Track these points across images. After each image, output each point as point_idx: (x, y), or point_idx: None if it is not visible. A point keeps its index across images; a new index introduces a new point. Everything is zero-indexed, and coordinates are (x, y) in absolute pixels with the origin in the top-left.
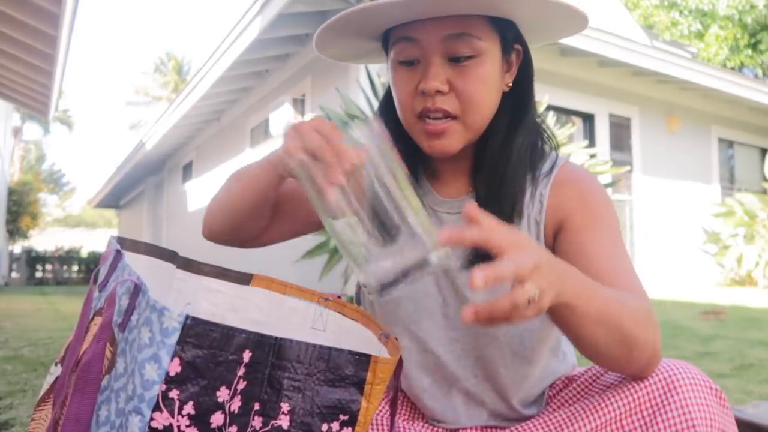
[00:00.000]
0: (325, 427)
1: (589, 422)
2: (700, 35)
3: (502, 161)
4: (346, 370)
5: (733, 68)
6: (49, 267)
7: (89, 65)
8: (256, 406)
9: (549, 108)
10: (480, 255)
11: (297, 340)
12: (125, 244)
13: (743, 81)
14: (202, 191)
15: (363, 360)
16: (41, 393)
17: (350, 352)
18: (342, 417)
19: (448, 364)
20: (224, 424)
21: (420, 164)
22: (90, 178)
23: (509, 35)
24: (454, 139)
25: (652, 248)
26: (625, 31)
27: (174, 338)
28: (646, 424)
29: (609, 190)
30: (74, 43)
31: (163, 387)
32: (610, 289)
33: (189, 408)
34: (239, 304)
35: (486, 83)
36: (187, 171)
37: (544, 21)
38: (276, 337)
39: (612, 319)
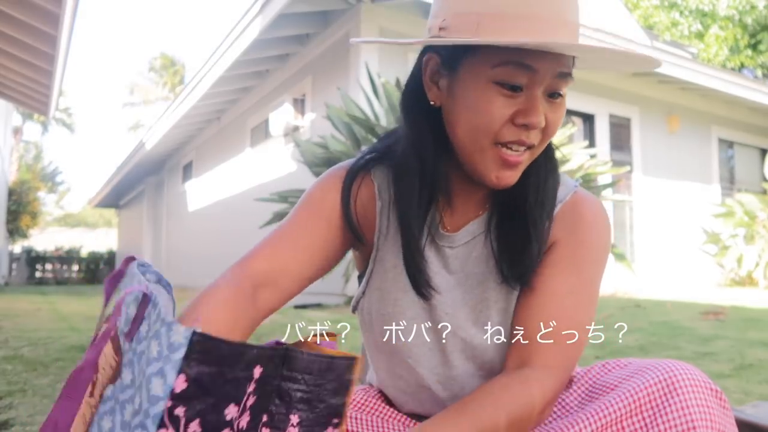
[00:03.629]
0: None
1: (590, 424)
2: (700, 35)
3: (543, 190)
4: (345, 376)
5: (733, 69)
6: (49, 267)
7: (89, 65)
8: (264, 418)
9: None
10: None
11: (307, 352)
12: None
13: (743, 81)
14: (202, 191)
15: (351, 363)
16: None
17: (346, 358)
18: (335, 420)
19: (445, 401)
20: None
21: (437, 189)
22: (89, 177)
23: None
24: (520, 170)
25: (652, 248)
26: (625, 31)
27: (180, 354)
28: (646, 425)
29: (609, 191)
30: (74, 43)
31: (169, 403)
32: (482, 418)
33: (195, 426)
34: None
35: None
36: (187, 171)
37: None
38: (286, 347)
39: None
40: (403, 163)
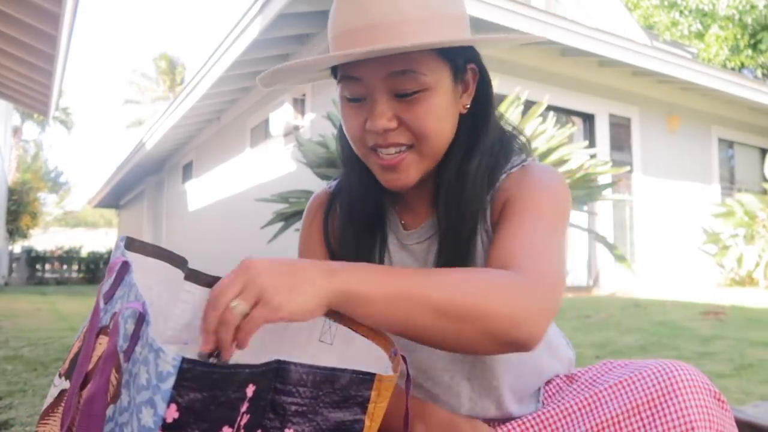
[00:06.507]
0: None
1: (587, 422)
2: (700, 35)
3: (459, 187)
4: (351, 391)
5: (733, 68)
6: (49, 267)
7: (88, 65)
8: None
9: (549, 108)
10: None
11: (300, 363)
12: (134, 245)
13: (743, 81)
14: (202, 191)
15: (367, 379)
16: (45, 405)
17: (354, 372)
18: None
19: (429, 390)
20: None
21: (385, 191)
22: (89, 177)
23: (460, 60)
24: (410, 171)
25: (652, 248)
26: (625, 31)
27: (169, 383)
28: (644, 426)
29: (609, 191)
30: (74, 43)
31: None
32: (444, 270)
33: None
34: None
35: (436, 114)
36: (187, 171)
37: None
38: (278, 360)
39: (418, 295)
40: (342, 186)
